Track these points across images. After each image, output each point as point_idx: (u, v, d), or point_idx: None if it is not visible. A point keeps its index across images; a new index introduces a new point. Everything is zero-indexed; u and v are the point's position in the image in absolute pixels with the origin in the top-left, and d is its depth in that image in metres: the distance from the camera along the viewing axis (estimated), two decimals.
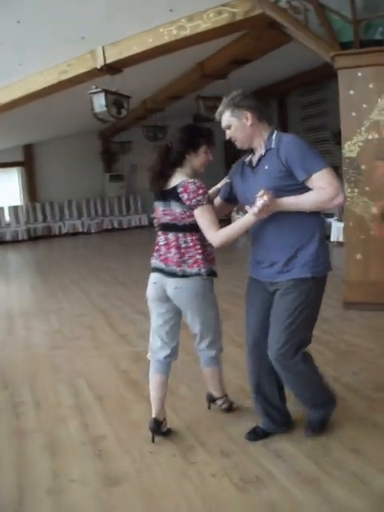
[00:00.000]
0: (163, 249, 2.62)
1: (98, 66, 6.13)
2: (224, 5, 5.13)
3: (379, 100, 4.73)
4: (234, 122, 2.42)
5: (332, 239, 8.54)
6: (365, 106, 4.78)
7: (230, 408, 2.98)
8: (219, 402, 2.98)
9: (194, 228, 2.52)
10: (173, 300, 2.61)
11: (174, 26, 5.44)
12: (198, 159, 2.57)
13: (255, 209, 2.21)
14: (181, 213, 2.51)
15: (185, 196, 2.46)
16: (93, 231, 14.19)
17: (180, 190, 2.47)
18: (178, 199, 2.48)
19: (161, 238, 2.64)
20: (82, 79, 6.52)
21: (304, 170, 2.26)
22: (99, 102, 6.34)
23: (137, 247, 11.26)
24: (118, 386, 3.53)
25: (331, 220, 8.76)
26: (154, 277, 2.66)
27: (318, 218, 2.43)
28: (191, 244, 2.54)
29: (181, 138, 2.56)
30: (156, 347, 2.72)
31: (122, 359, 4.06)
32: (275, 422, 2.66)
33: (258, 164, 2.43)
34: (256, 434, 2.67)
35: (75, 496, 2.27)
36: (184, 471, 2.41)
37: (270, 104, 14.64)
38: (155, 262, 2.66)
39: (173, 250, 2.56)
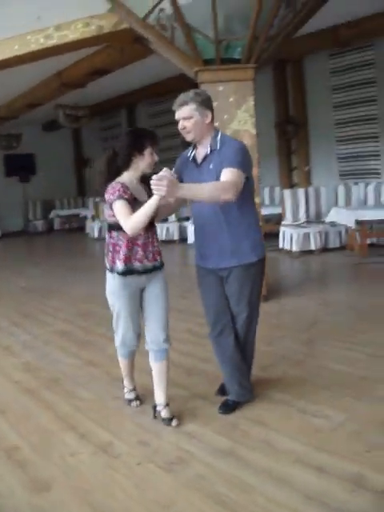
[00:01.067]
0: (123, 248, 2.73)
1: None
2: (92, 17, 5.26)
3: (238, 111, 5.22)
4: (196, 116, 2.65)
5: None
6: (226, 116, 5.22)
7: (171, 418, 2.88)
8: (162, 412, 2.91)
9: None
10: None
11: (41, 35, 5.41)
12: (143, 160, 2.71)
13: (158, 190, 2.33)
14: (109, 213, 2.68)
15: (106, 197, 2.63)
16: None
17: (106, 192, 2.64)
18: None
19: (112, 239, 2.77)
20: None
21: (225, 163, 2.55)
22: None
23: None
24: (16, 396, 3.47)
25: None
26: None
27: (253, 208, 2.82)
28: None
29: (127, 142, 2.68)
30: (129, 339, 2.89)
31: (12, 371, 3.96)
32: (246, 388, 2.96)
33: (202, 162, 2.70)
34: (227, 407, 2.93)
35: (6, 509, 2.25)
36: (109, 464, 2.51)
37: (120, 113, 14.97)
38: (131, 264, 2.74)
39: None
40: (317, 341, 4.09)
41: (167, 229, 10.40)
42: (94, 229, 12.05)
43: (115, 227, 2.70)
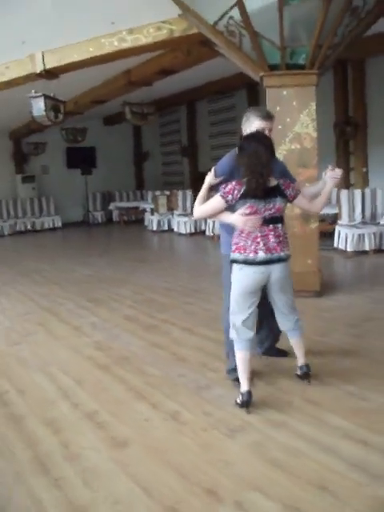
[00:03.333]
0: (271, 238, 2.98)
1: (38, 71, 6.33)
2: (163, 22, 5.62)
3: (301, 115, 5.45)
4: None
5: None
6: (288, 120, 5.47)
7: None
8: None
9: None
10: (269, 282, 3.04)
11: (115, 38, 5.83)
12: None
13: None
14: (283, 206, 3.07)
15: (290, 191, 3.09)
16: (6, 233, 13.96)
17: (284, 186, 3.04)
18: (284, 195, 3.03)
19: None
20: (19, 82, 6.68)
21: (289, 177, 3.27)
22: (38, 106, 6.52)
23: (57, 249, 11.40)
24: (90, 370, 3.89)
25: None
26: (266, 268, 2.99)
27: None
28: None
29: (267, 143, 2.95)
30: (247, 330, 3.04)
31: (84, 348, 4.39)
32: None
33: None
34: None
35: (92, 460, 2.63)
36: (179, 429, 2.87)
37: (180, 109, 15.35)
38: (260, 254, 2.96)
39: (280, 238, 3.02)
40: (366, 335, 4.30)
41: None
42: (152, 222, 12.48)
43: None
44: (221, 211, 2.98)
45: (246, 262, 2.96)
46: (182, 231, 11.46)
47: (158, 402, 3.23)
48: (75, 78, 7.52)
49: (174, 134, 16.15)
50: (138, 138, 17.01)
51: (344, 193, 8.50)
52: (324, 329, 4.47)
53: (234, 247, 3.01)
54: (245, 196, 2.88)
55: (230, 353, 3.31)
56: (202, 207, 3.03)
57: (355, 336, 4.29)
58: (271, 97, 5.45)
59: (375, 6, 4.95)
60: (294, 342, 3.31)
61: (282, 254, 3.01)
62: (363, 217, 8.38)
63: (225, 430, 2.81)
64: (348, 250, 8.03)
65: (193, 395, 3.30)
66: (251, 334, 3.06)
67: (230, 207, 2.94)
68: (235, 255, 3.00)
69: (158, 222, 12.30)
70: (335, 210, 8.87)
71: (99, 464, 2.60)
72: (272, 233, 2.97)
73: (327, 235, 8.39)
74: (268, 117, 3.09)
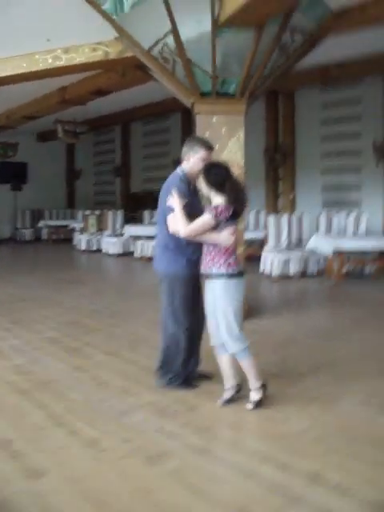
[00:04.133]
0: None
1: None
2: (99, 43, 5.63)
3: (229, 142, 5.60)
4: None
5: None
6: (217, 146, 5.58)
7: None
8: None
9: None
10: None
11: (50, 55, 5.76)
12: None
13: None
14: None
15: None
16: None
17: None
18: None
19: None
20: None
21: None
22: None
23: None
24: (9, 395, 3.71)
25: None
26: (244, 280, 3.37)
27: None
28: None
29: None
30: (242, 336, 3.31)
31: (4, 372, 4.19)
32: None
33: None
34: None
35: (3, 493, 2.48)
36: (97, 457, 2.77)
37: (115, 130, 15.35)
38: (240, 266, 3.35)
39: None
40: (289, 358, 4.41)
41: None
42: (81, 241, 12.30)
43: None
44: (209, 230, 3.22)
45: (239, 274, 3.29)
46: (111, 252, 11.37)
47: (78, 429, 3.13)
48: (8, 92, 7.36)
49: (107, 153, 16.10)
50: (71, 155, 16.82)
51: (271, 218, 8.75)
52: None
53: (224, 265, 3.25)
54: (232, 217, 3.24)
55: (168, 361, 3.59)
56: (192, 226, 3.22)
57: (278, 359, 4.38)
58: (201, 123, 5.56)
59: (302, 45, 5.20)
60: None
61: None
62: (289, 242, 8.66)
63: (144, 456, 2.76)
64: (274, 274, 8.25)
65: (113, 421, 3.23)
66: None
67: (214, 227, 3.23)
68: (230, 270, 3.25)
69: (87, 242, 12.14)
70: (262, 235, 9.12)
71: (10, 497, 2.47)
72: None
73: (255, 259, 8.58)
74: (211, 148, 3.42)
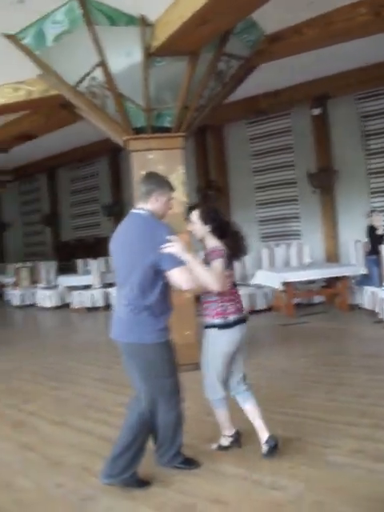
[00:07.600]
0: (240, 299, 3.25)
1: None
2: (21, 82, 5.22)
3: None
4: None
5: None
6: None
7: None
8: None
9: None
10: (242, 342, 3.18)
11: None
12: None
13: None
14: None
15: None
16: None
17: None
18: None
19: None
20: None
21: None
22: None
23: None
24: None
25: None
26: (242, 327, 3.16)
27: None
28: None
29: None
30: (220, 390, 3.14)
31: None
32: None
33: None
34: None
35: None
36: None
37: (40, 177, 14.84)
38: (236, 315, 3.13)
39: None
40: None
41: (92, 295, 10.01)
42: (15, 296, 11.52)
43: None
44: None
45: (227, 326, 3.08)
46: (47, 305, 10.69)
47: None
48: None
49: (35, 202, 15.48)
50: None
51: None
52: (208, 406, 4.00)
53: (212, 313, 3.10)
54: (228, 261, 3.17)
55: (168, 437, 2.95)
56: (215, 276, 2.99)
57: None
58: (136, 161, 5.20)
59: (238, 71, 5.04)
60: (249, 407, 3.18)
61: (245, 313, 3.27)
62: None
63: None
64: None
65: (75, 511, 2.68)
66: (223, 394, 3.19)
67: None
68: (216, 321, 3.08)
69: (21, 297, 11.38)
70: None
71: None
72: (238, 294, 3.28)
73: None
74: (173, 189, 3.11)
